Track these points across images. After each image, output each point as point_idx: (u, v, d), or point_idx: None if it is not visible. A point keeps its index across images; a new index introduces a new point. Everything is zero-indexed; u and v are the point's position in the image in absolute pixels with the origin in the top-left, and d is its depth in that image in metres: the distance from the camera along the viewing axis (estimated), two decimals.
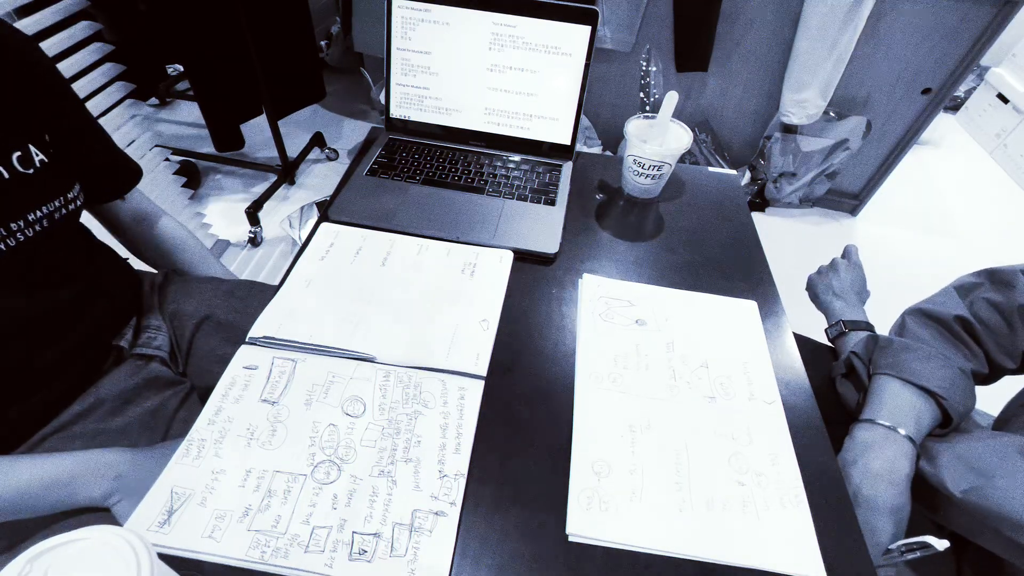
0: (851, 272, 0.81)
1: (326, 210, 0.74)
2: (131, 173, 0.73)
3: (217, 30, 1.45)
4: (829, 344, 0.80)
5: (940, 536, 0.50)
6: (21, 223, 0.52)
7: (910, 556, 0.51)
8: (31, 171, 0.53)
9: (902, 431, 0.56)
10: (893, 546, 0.52)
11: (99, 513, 0.52)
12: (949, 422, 0.59)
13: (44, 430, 0.58)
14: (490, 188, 0.78)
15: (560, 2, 0.74)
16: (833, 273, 0.82)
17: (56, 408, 0.59)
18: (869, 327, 0.73)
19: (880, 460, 0.55)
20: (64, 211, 0.57)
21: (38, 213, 0.54)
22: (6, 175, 0.51)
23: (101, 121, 1.20)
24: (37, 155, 0.55)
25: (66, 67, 1.10)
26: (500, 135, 0.84)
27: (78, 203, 0.59)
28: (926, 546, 0.49)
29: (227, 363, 0.55)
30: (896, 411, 0.57)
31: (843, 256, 0.84)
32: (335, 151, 2.11)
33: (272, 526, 0.44)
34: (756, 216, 1.96)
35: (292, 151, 1.91)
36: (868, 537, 0.50)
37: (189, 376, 0.70)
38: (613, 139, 1.96)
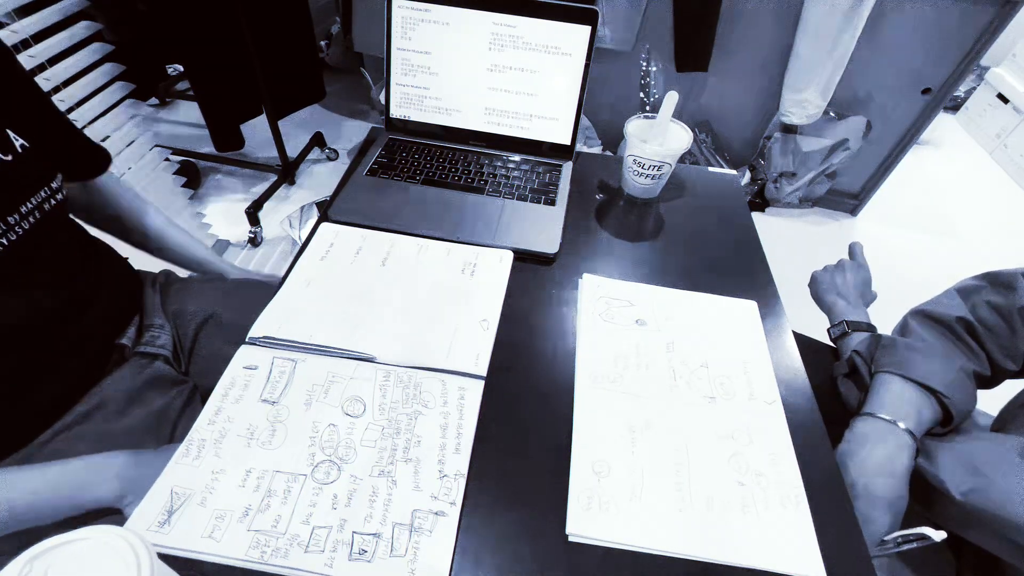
0: (856, 272, 0.81)
1: (326, 210, 0.74)
2: (102, 157, 0.73)
3: (217, 30, 1.45)
4: (830, 344, 0.80)
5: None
6: (16, 216, 0.52)
7: (906, 547, 0.51)
8: (11, 157, 0.53)
9: (902, 425, 0.56)
10: (889, 537, 0.52)
11: (109, 516, 0.52)
12: (949, 421, 0.59)
13: (48, 431, 0.58)
14: (490, 188, 0.78)
15: (560, 2, 0.74)
16: (838, 272, 0.81)
17: (61, 407, 0.59)
18: (871, 328, 0.73)
19: (879, 452, 0.55)
20: (52, 202, 0.56)
21: (29, 204, 0.54)
22: None
23: (101, 121, 1.21)
24: (16, 139, 0.54)
25: (66, 67, 1.10)
26: (500, 135, 0.84)
27: (63, 193, 0.59)
28: (923, 537, 0.49)
29: (229, 357, 0.56)
30: (897, 406, 0.58)
31: (849, 255, 0.84)
32: (335, 151, 2.11)
33: (272, 526, 0.44)
34: (756, 216, 1.96)
35: (292, 151, 1.91)
36: (864, 528, 0.50)
37: (192, 375, 0.70)
38: (613, 139, 1.96)
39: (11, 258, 0.52)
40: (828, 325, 0.78)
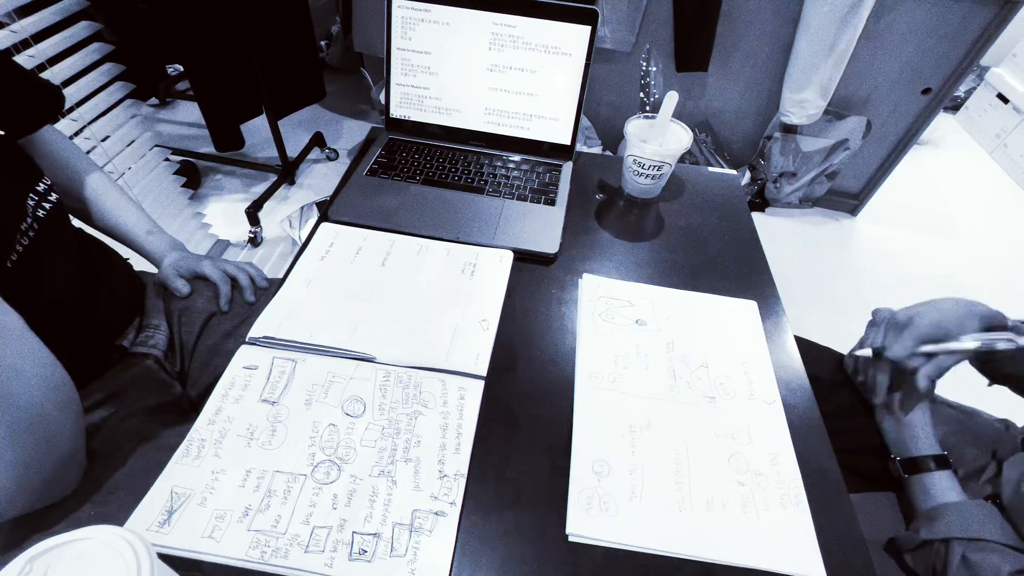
0: (900, 335, 0.61)
1: (326, 210, 0.74)
2: (53, 99, 0.67)
3: (217, 30, 1.45)
4: (829, 346, 0.79)
5: None
6: (17, 233, 0.51)
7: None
8: None
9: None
10: (970, 342, 0.55)
11: (99, 513, 0.52)
12: None
13: None
14: (490, 188, 0.78)
15: (560, 2, 0.74)
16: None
17: None
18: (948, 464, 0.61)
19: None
20: (45, 206, 0.55)
21: (27, 221, 0.52)
22: None
23: (101, 121, 1.21)
24: None
25: (66, 67, 1.10)
26: (500, 135, 0.84)
27: (53, 196, 0.57)
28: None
29: (231, 357, 0.55)
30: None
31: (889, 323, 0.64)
32: (335, 151, 2.11)
33: (272, 526, 0.44)
34: (756, 216, 1.96)
35: (292, 151, 1.91)
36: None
37: (192, 372, 0.70)
38: (613, 139, 1.96)
39: (14, 275, 0.50)
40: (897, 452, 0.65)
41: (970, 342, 0.57)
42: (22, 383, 0.41)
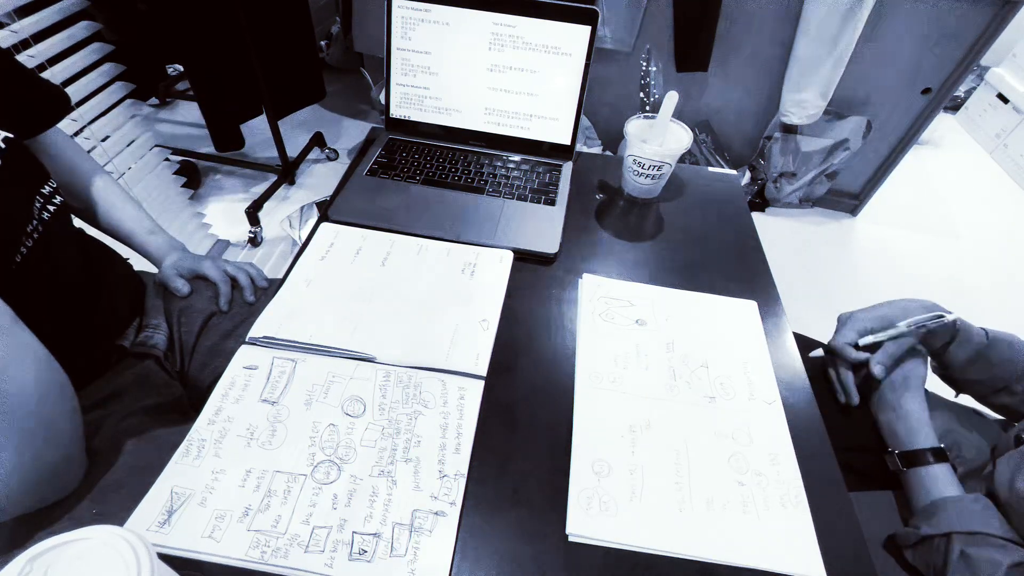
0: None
1: (326, 210, 0.74)
2: (62, 101, 0.67)
3: (217, 30, 1.45)
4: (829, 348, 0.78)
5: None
6: (23, 235, 0.51)
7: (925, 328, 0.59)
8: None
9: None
10: (904, 325, 0.59)
11: (99, 512, 0.52)
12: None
13: None
14: (490, 188, 0.78)
15: (560, 2, 0.74)
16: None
17: None
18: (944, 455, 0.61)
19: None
20: (50, 208, 0.55)
21: (32, 223, 0.53)
22: None
23: (101, 121, 1.21)
24: None
25: (66, 67, 1.10)
26: (500, 135, 0.84)
27: (58, 199, 0.57)
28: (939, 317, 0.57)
29: (231, 357, 0.55)
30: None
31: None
32: (335, 151, 2.11)
33: (272, 526, 0.44)
34: (756, 216, 1.96)
35: (292, 151, 1.91)
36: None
37: (192, 372, 0.70)
38: (613, 139, 1.96)
39: (19, 276, 0.50)
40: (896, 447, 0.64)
41: (903, 325, 0.62)
42: (14, 375, 0.40)
